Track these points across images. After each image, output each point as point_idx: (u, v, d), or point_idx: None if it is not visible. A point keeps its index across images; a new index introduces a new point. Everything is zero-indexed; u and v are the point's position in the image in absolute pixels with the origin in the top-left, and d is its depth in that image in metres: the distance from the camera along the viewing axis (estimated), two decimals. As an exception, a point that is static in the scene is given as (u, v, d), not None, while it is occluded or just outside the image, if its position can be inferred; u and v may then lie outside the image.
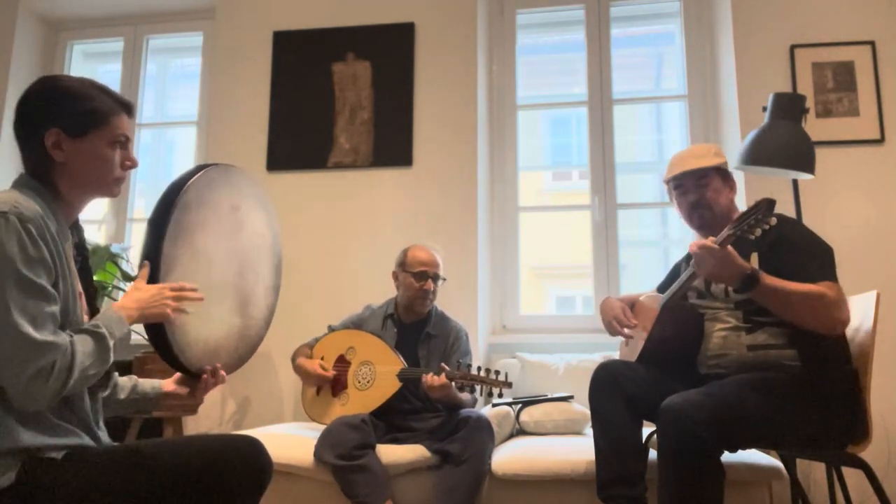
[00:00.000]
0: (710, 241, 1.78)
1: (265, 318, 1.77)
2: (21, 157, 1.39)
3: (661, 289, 2.34)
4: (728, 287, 1.96)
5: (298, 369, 2.67)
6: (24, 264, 1.23)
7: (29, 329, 1.21)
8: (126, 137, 1.44)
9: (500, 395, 2.33)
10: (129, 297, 1.41)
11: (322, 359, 2.68)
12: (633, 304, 2.33)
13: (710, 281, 2.05)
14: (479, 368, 2.36)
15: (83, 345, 1.28)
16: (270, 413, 3.29)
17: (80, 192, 1.41)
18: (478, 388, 2.36)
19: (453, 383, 2.34)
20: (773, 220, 1.68)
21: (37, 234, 1.26)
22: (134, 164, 1.46)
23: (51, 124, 1.36)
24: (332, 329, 2.78)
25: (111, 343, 1.34)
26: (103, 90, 1.43)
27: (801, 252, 1.88)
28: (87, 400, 1.39)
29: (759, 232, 1.71)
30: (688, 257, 2.26)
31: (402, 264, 2.69)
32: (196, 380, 1.61)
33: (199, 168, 1.57)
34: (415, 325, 2.70)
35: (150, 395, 1.62)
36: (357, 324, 2.76)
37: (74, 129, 1.37)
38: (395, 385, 2.48)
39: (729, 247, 1.76)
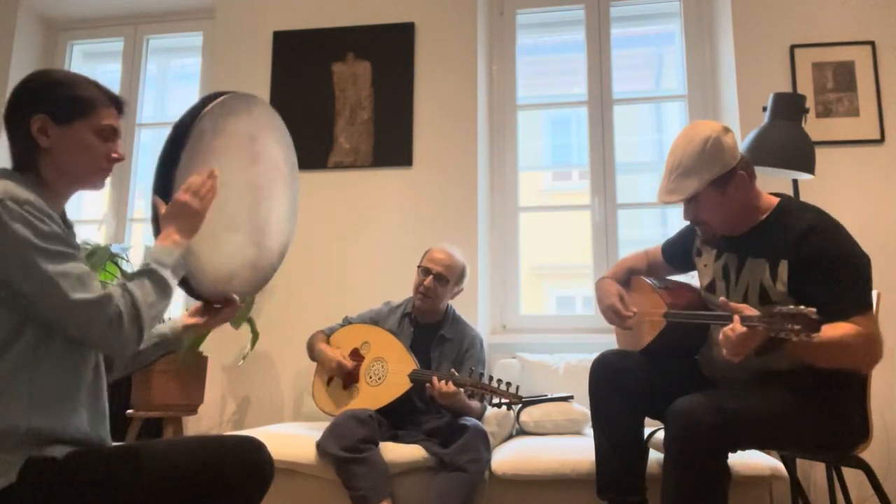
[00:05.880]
0: (737, 322, 1.60)
1: (279, 249, 1.76)
2: (9, 149, 1.39)
3: (667, 248, 2.22)
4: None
5: (319, 354, 2.65)
6: (41, 239, 1.24)
7: (78, 294, 1.22)
8: (113, 129, 1.43)
9: (510, 408, 2.25)
10: (165, 229, 1.40)
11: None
12: (629, 277, 2.25)
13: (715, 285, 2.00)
14: (490, 378, 2.31)
15: (138, 286, 1.30)
16: (270, 413, 3.28)
17: (65, 181, 1.40)
18: (487, 397, 2.32)
19: (462, 390, 2.32)
20: (815, 339, 1.48)
21: (38, 212, 1.26)
22: (120, 158, 1.44)
23: (37, 110, 1.36)
24: (348, 321, 2.77)
25: (165, 272, 1.34)
26: (95, 84, 1.43)
27: (836, 281, 1.73)
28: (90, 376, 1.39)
29: (791, 336, 1.49)
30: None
31: (420, 260, 2.71)
32: (209, 308, 1.63)
33: (216, 94, 1.53)
34: (430, 326, 2.69)
35: (169, 336, 1.62)
36: (375, 319, 2.75)
37: (60, 116, 1.37)
38: (405, 385, 2.46)
39: (758, 327, 1.55)
